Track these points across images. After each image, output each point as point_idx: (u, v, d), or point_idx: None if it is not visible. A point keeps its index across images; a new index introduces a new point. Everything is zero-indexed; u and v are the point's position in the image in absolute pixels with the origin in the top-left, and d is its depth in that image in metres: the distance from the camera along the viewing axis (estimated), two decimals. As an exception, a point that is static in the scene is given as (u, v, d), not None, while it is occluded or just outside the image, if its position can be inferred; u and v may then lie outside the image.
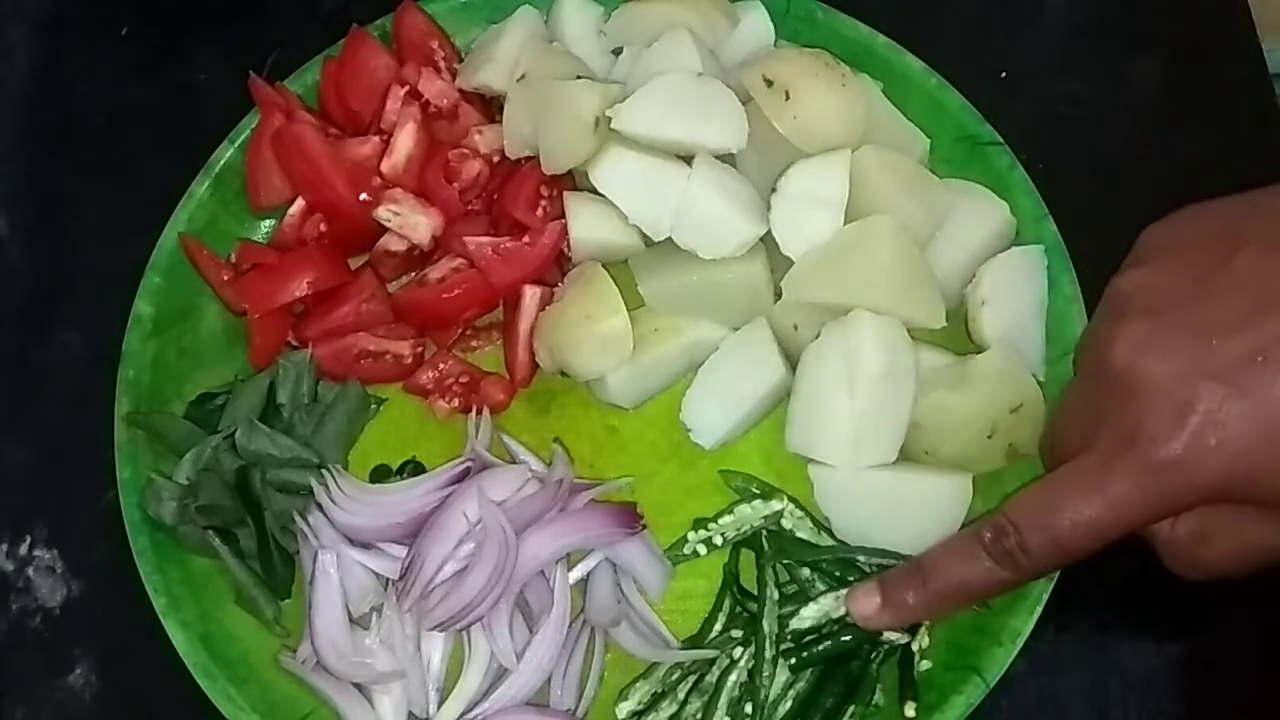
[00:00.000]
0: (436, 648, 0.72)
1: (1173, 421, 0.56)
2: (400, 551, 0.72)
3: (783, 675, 0.71)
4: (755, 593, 0.72)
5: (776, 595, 0.71)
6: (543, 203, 0.80)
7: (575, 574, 0.73)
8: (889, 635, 0.70)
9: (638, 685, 0.72)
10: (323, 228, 0.81)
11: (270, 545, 0.74)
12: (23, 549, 0.78)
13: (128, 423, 0.76)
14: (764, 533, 0.74)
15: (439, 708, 0.71)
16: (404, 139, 0.81)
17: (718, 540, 0.75)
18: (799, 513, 0.74)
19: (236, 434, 0.74)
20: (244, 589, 0.73)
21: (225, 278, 0.80)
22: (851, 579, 0.72)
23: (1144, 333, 0.58)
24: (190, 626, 0.72)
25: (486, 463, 0.75)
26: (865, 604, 0.67)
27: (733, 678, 0.71)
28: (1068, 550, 0.59)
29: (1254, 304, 0.56)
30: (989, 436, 0.72)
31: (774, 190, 0.75)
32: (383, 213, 0.79)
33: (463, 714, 0.70)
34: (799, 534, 0.74)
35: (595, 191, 0.76)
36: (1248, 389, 0.55)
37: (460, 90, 0.83)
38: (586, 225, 0.78)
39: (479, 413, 0.78)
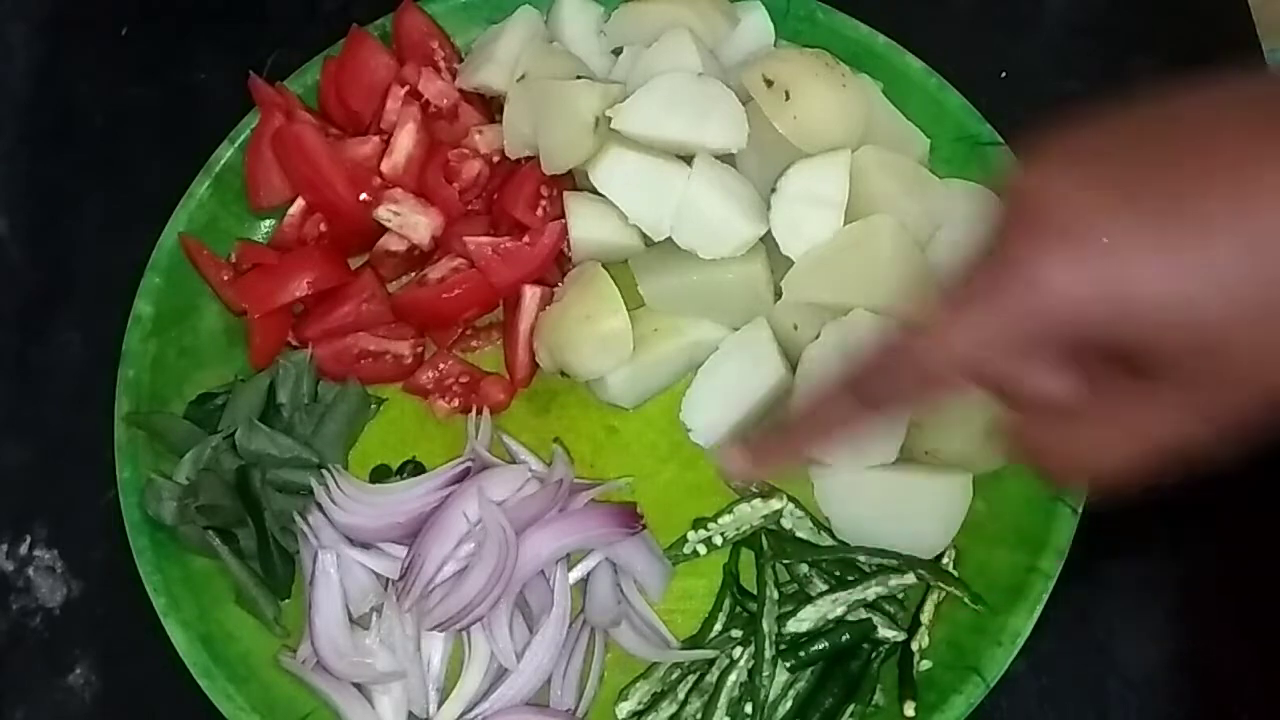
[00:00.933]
0: (436, 648, 0.72)
1: (1059, 236, 0.45)
2: (400, 551, 0.72)
3: (783, 675, 0.71)
4: (755, 593, 0.72)
5: (776, 595, 0.71)
6: (543, 203, 0.80)
7: (575, 574, 0.73)
8: (887, 633, 0.70)
9: (638, 685, 0.72)
10: (323, 228, 0.81)
11: (270, 545, 0.74)
12: (23, 549, 0.78)
13: (128, 423, 0.76)
14: (764, 533, 0.74)
15: (439, 708, 0.71)
16: (404, 139, 0.81)
17: (718, 540, 0.75)
18: (799, 513, 0.74)
19: (236, 434, 0.74)
20: (244, 589, 0.73)
21: (225, 278, 0.80)
22: (851, 579, 0.72)
23: (1059, 167, 0.47)
24: (190, 626, 0.72)
25: (486, 463, 0.75)
26: (736, 461, 0.62)
27: (733, 678, 0.71)
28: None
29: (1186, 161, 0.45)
30: (989, 436, 0.72)
31: (774, 190, 0.75)
32: (383, 213, 0.79)
33: (463, 714, 0.70)
34: (799, 534, 0.74)
35: (595, 191, 0.76)
36: (1165, 228, 0.44)
37: (460, 90, 0.83)
38: (586, 225, 0.78)
39: (479, 413, 0.77)
